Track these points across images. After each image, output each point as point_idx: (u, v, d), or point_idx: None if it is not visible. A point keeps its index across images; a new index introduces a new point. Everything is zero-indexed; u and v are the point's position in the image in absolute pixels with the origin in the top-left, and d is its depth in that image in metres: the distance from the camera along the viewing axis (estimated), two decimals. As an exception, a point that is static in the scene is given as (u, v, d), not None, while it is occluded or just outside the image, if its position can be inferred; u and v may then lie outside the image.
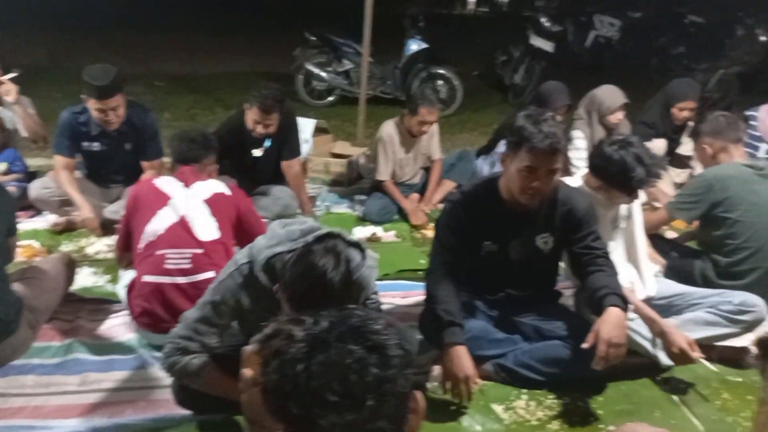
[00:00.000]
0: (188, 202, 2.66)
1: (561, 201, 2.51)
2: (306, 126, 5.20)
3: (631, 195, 2.66)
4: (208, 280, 2.48)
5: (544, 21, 8.17)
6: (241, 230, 2.75)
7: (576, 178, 2.86)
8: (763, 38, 8.01)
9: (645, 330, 2.55)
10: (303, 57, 7.48)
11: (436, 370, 2.43)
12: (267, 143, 3.91)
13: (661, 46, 9.87)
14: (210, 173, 2.86)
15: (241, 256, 1.98)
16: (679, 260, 3.18)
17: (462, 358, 2.30)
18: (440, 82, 7.44)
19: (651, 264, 2.98)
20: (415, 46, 7.44)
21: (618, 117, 4.11)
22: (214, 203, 2.69)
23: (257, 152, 3.92)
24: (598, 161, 2.66)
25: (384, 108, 6.95)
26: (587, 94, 4.34)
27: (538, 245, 2.56)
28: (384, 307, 3.06)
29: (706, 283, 3.04)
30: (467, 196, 2.57)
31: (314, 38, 7.54)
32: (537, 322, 2.61)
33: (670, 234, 3.75)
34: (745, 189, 2.94)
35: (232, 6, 11.71)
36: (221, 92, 7.63)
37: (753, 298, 2.63)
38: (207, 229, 2.63)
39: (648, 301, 2.75)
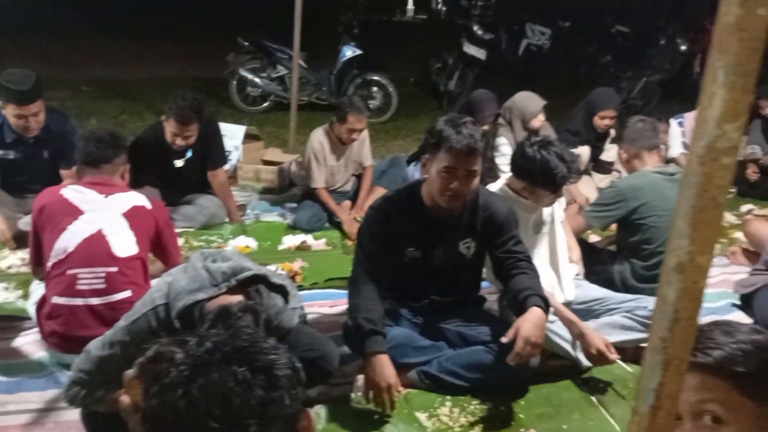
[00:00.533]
0: (105, 214, 2.55)
1: (482, 206, 2.54)
2: (236, 133, 5.12)
3: (556, 192, 2.70)
4: (124, 300, 2.40)
5: (477, 29, 8.34)
6: (158, 245, 2.66)
7: (498, 183, 2.91)
8: (682, 47, 8.39)
9: (565, 332, 2.60)
10: (236, 62, 7.37)
11: (360, 379, 2.41)
12: (189, 153, 3.82)
13: (590, 55, 10.20)
14: (123, 174, 2.72)
15: (158, 294, 1.85)
16: (600, 265, 3.27)
17: (384, 366, 2.29)
18: (375, 88, 7.47)
19: (571, 268, 3.07)
20: (349, 52, 7.45)
21: (540, 120, 4.22)
22: (133, 217, 2.57)
23: (179, 163, 3.82)
24: (522, 162, 2.69)
25: (320, 114, 6.91)
26: (507, 102, 4.44)
27: (461, 251, 2.58)
28: (311, 317, 3.04)
29: (626, 286, 3.15)
30: (389, 202, 2.58)
31: (247, 44, 7.45)
32: (461, 328, 2.63)
33: (594, 238, 3.87)
34: (657, 195, 3.06)
35: (159, 11, 11.41)
36: (151, 98, 7.41)
37: None
38: (125, 243, 2.52)
39: (567, 305, 2.83)
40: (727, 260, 3.84)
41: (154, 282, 2.22)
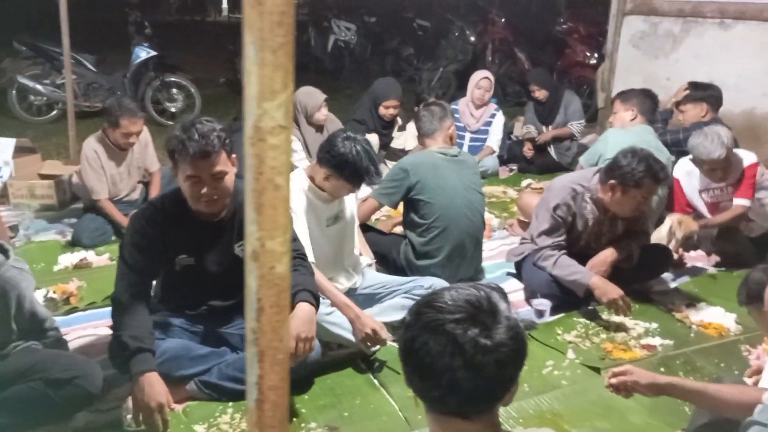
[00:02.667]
0: None
1: None
2: (5, 147, 4.59)
3: (357, 187, 2.72)
4: None
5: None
6: None
7: (296, 174, 2.84)
8: (472, 38, 9.00)
9: (345, 321, 2.63)
10: (14, 69, 6.68)
11: (130, 401, 2.25)
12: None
13: (393, 49, 10.59)
14: None
15: None
16: (388, 246, 3.37)
17: (153, 385, 2.16)
18: (175, 90, 7.13)
19: (363, 256, 3.13)
20: (143, 53, 7.03)
21: (324, 113, 4.27)
22: None
23: None
24: (333, 158, 2.65)
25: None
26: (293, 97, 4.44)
27: (237, 253, 2.50)
28: (86, 339, 2.81)
29: (409, 264, 3.27)
30: (153, 209, 2.42)
31: (25, 48, 6.76)
32: (244, 330, 2.55)
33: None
34: (435, 173, 3.21)
35: None
36: None
37: (440, 282, 2.88)
38: None
39: (353, 291, 2.88)
40: (507, 232, 4.15)
41: None
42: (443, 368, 1.11)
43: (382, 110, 4.53)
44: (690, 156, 3.64)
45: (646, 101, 3.81)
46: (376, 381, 2.56)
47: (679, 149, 3.89)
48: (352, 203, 3.02)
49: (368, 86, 4.92)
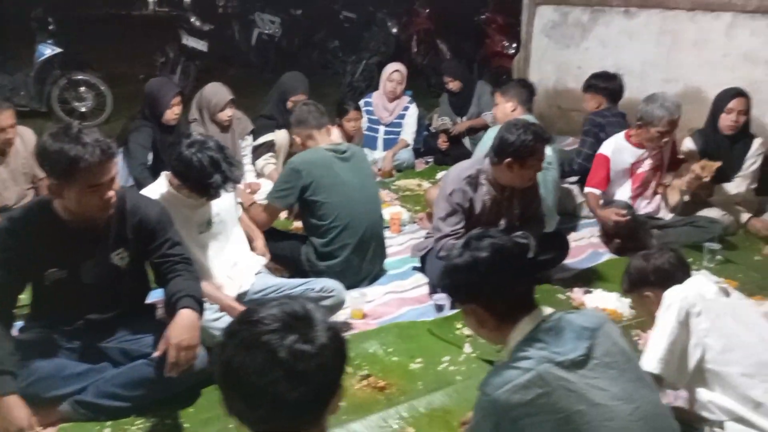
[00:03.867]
0: None
1: (130, 212, 2.36)
2: None
3: (210, 198, 2.64)
4: None
5: (195, 20, 8.04)
6: None
7: (159, 180, 2.74)
8: (393, 30, 8.97)
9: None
10: None
11: (-9, 428, 2.10)
12: None
13: (319, 41, 10.45)
14: None
15: None
16: (290, 248, 3.29)
17: (12, 409, 2.02)
18: (83, 88, 6.82)
19: (257, 258, 3.03)
20: (48, 50, 6.71)
21: (228, 114, 4.15)
22: None
23: None
24: (177, 164, 2.58)
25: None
26: (198, 93, 4.31)
27: (114, 263, 2.38)
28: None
29: (311, 266, 3.21)
30: (15, 222, 2.27)
31: None
32: (125, 344, 2.44)
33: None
34: (328, 172, 3.15)
35: None
36: None
37: (331, 283, 2.83)
38: None
39: (243, 295, 2.79)
40: (417, 226, 4.13)
41: None
42: (265, 384, 1.07)
43: (290, 105, 4.43)
44: (619, 135, 3.75)
45: (523, 91, 3.88)
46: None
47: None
48: (230, 205, 2.91)
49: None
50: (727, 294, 2.11)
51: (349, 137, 4.75)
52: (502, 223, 3.18)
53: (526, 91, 3.89)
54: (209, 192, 2.59)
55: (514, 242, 1.67)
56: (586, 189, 3.85)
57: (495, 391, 1.44)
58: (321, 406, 1.14)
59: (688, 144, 3.97)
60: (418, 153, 5.51)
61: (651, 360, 2.01)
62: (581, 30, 6.06)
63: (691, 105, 5.19)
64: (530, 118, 3.78)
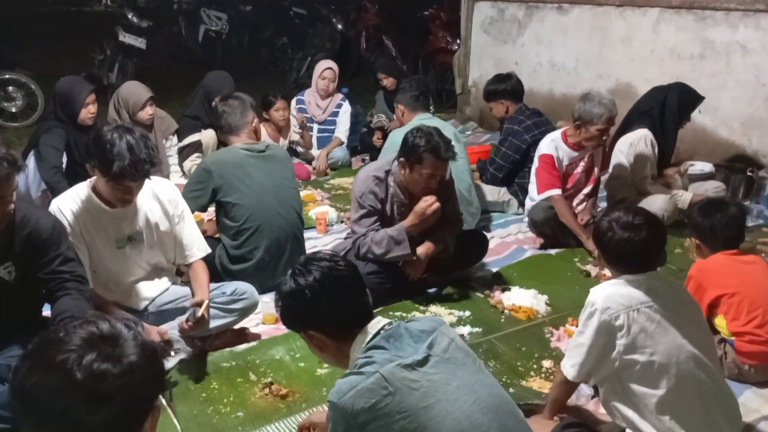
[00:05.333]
0: None
1: (20, 224, 2.23)
2: None
3: (113, 179, 2.33)
4: None
5: (132, 16, 7.82)
6: None
7: (78, 188, 2.57)
8: (339, 26, 8.88)
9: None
10: None
11: None
12: None
13: (268, 38, 10.30)
14: None
15: None
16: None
17: None
18: (12, 88, 6.56)
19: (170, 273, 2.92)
20: (-30, 50, 6.45)
21: (149, 113, 4.02)
22: None
23: None
24: (90, 141, 2.36)
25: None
26: (114, 94, 4.18)
27: (1, 275, 2.26)
28: None
29: (224, 269, 3.12)
30: None
31: None
32: (12, 360, 2.32)
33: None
34: (241, 172, 3.05)
35: None
36: None
37: (244, 286, 2.74)
38: None
39: (145, 310, 2.69)
40: (346, 225, 4.07)
41: None
42: (63, 407, 1.00)
43: (215, 105, 4.33)
44: (556, 134, 3.69)
45: (406, 95, 3.90)
46: (163, 400, 2.40)
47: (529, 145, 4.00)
48: (158, 219, 2.67)
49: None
50: (663, 292, 1.95)
51: (279, 129, 4.68)
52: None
53: (411, 94, 3.89)
54: (112, 171, 2.32)
55: (339, 264, 1.66)
56: (547, 194, 3.64)
57: (340, 398, 1.42)
58: (130, 429, 1.07)
59: None
60: (355, 151, 5.45)
61: (566, 364, 1.99)
62: (517, 26, 6.08)
63: (622, 101, 5.24)
64: (424, 117, 3.83)
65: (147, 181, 2.58)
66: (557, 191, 3.63)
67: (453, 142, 3.76)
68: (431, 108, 4.17)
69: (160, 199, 2.62)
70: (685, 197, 3.80)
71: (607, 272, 3.41)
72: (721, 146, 4.70)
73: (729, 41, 4.57)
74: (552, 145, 3.65)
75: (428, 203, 2.93)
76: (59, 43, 10.36)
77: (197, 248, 2.73)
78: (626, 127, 3.98)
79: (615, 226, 1.97)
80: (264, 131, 4.77)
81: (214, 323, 2.68)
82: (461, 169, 3.68)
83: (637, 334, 1.88)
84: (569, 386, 2.07)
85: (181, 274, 3.24)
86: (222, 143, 3.64)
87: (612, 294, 1.93)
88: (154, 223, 2.62)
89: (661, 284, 1.97)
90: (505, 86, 4.23)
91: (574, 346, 1.98)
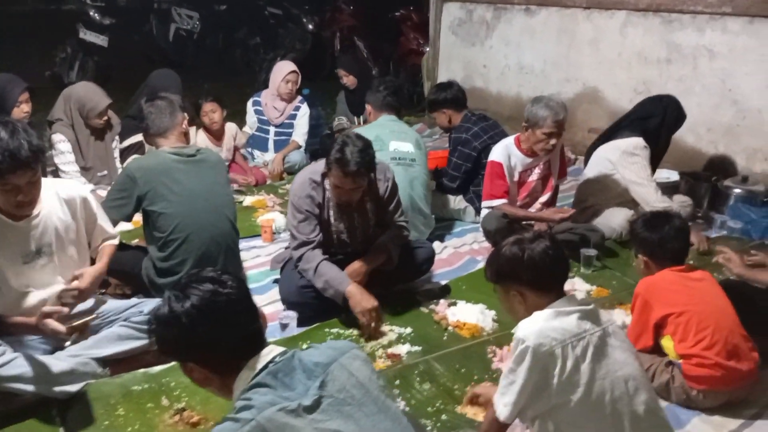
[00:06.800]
0: None
1: None
2: None
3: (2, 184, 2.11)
4: None
5: (94, 14, 7.61)
6: None
7: None
8: (310, 26, 8.70)
9: (28, 370, 2.22)
10: None
11: None
12: None
13: (241, 39, 10.10)
14: None
15: None
16: (130, 263, 2.99)
17: None
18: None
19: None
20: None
21: (104, 118, 3.84)
22: None
23: None
24: None
25: None
26: (63, 94, 3.98)
27: None
28: None
29: (151, 282, 2.92)
30: None
31: None
32: None
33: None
34: (168, 178, 2.85)
35: None
36: None
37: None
38: None
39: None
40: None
41: None
42: None
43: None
44: (509, 140, 3.54)
45: (377, 95, 3.81)
46: (61, 429, 2.20)
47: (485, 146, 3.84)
48: (67, 225, 2.46)
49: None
50: (595, 320, 1.78)
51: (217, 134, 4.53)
52: (359, 234, 2.98)
53: (381, 94, 3.78)
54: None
55: (225, 287, 1.46)
56: (491, 204, 3.49)
57: None
58: None
59: None
60: (315, 154, 5.26)
61: (499, 402, 1.80)
62: (486, 28, 5.93)
63: (590, 105, 5.14)
64: (389, 119, 3.74)
65: (51, 186, 2.40)
66: (501, 201, 3.46)
67: (412, 148, 3.64)
68: (402, 110, 4.01)
69: (66, 201, 2.42)
70: None
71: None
72: (688, 153, 4.56)
73: (696, 45, 4.43)
74: (504, 151, 3.48)
75: (367, 320, 2.74)
76: (32, 41, 10.10)
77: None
78: (613, 133, 3.83)
79: (524, 244, 1.83)
80: (202, 137, 4.60)
81: (127, 345, 2.49)
82: (417, 176, 3.52)
83: (571, 370, 1.71)
84: (502, 426, 1.88)
85: (107, 285, 3.07)
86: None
87: (544, 329, 1.74)
88: (63, 231, 2.41)
89: (590, 312, 1.80)
90: (446, 95, 4.10)
91: (508, 384, 1.78)
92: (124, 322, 2.52)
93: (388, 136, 3.60)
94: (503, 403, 1.77)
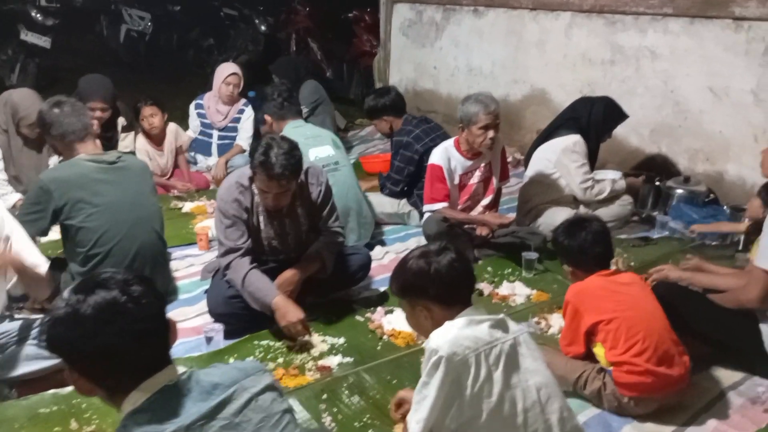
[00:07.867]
0: None
1: None
2: None
3: None
4: None
5: (36, 14, 7.33)
6: None
7: None
8: (263, 27, 8.55)
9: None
10: None
11: None
12: None
13: (194, 40, 9.90)
14: None
15: None
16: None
17: None
18: None
19: None
20: None
21: (36, 130, 3.64)
22: None
23: None
24: None
25: None
26: (6, 94, 3.79)
27: None
28: None
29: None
30: None
31: None
32: None
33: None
34: (87, 189, 2.70)
35: None
36: None
37: None
38: None
39: None
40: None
41: None
42: None
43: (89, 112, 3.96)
44: (449, 143, 3.47)
45: (271, 104, 3.71)
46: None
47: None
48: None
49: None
50: (505, 329, 1.72)
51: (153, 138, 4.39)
52: (291, 240, 2.88)
53: (276, 102, 3.68)
54: None
55: (124, 298, 1.29)
56: (431, 207, 3.44)
57: None
58: None
59: None
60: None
61: (412, 420, 1.70)
62: (435, 29, 5.88)
63: (538, 106, 5.12)
64: (297, 124, 3.66)
65: None
66: (442, 205, 3.40)
67: (331, 150, 3.55)
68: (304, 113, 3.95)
69: None
70: None
71: (500, 291, 3.21)
72: (632, 154, 4.57)
73: (638, 46, 4.44)
74: (444, 154, 3.42)
75: (294, 333, 2.63)
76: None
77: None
78: (550, 133, 3.83)
79: (430, 258, 1.76)
80: (142, 142, 4.45)
81: (36, 365, 2.35)
82: (344, 179, 3.43)
83: (484, 379, 1.64)
84: None
85: (25, 299, 2.91)
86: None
87: (458, 337, 1.66)
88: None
89: (500, 322, 1.73)
90: (385, 101, 4.06)
91: (420, 399, 1.69)
92: (32, 341, 2.37)
93: (304, 145, 3.36)
94: (416, 420, 1.69)
